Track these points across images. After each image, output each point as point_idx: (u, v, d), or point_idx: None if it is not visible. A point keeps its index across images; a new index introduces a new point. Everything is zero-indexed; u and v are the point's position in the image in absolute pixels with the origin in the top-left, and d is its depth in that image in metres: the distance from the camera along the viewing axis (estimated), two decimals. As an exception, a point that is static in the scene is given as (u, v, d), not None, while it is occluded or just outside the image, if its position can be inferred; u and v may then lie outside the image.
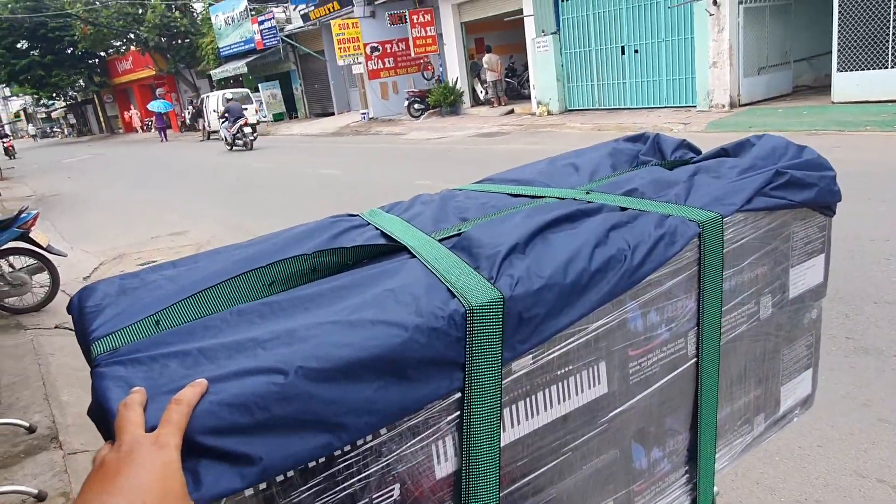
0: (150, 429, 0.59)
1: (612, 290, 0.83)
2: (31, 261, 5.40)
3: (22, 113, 57.27)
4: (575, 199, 1.06)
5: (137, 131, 35.50)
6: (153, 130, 27.12)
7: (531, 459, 0.83)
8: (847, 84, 10.14)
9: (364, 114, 20.39)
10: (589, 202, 1.02)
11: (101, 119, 42.66)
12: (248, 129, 17.73)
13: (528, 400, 0.80)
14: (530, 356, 0.79)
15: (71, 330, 4.87)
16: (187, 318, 0.78)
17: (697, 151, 1.30)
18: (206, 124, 24.33)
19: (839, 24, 9.95)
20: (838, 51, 10.08)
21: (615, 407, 0.90)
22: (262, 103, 26.16)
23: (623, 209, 0.98)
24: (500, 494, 0.79)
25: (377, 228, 1.03)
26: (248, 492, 0.63)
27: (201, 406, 0.60)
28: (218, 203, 9.98)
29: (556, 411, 0.83)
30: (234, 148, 18.20)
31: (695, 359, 0.97)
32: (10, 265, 5.38)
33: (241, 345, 0.69)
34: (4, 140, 24.61)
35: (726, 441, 1.07)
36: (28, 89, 38.79)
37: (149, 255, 7.09)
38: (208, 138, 24.38)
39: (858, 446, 2.48)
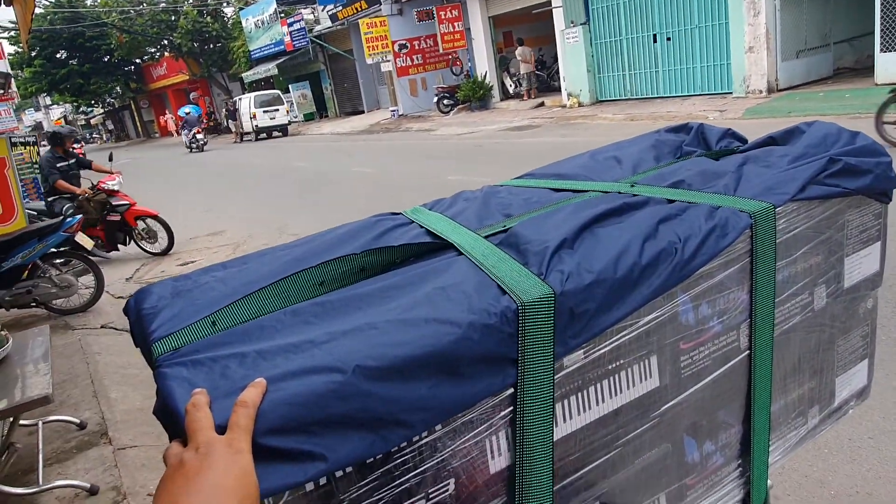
0: (217, 428, 0.61)
1: (662, 284, 0.82)
2: (77, 263, 5.58)
3: (63, 121, 59.03)
4: (620, 193, 1.05)
5: (173, 135, 36.26)
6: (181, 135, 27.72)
7: (584, 454, 0.83)
8: (891, 65, 9.79)
9: (394, 111, 20.47)
10: (635, 195, 1.01)
11: (138, 124, 43.72)
12: (199, 136, 22.28)
13: (580, 394, 0.80)
14: (582, 351, 0.79)
15: (117, 330, 5.03)
16: (242, 319, 0.80)
17: (744, 140, 1.27)
18: (240, 126, 24.75)
19: (882, 3, 9.60)
20: (881, 31, 9.74)
21: (667, 401, 0.89)
22: (293, 104, 26.46)
23: (670, 202, 0.97)
24: (554, 489, 0.79)
25: (421, 226, 1.03)
26: (309, 486, 0.65)
27: (263, 405, 0.62)
28: (253, 202, 10.14)
29: (607, 406, 0.83)
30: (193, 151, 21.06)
31: (748, 351, 0.96)
32: (57, 268, 5.56)
33: (297, 345, 0.70)
34: (75, 147, 25.41)
35: (780, 434, 1.05)
36: (68, 97, 40.00)
37: (188, 256, 7.26)
38: (241, 140, 24.81)
39: (912, 439, 2.41)
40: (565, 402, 0.79)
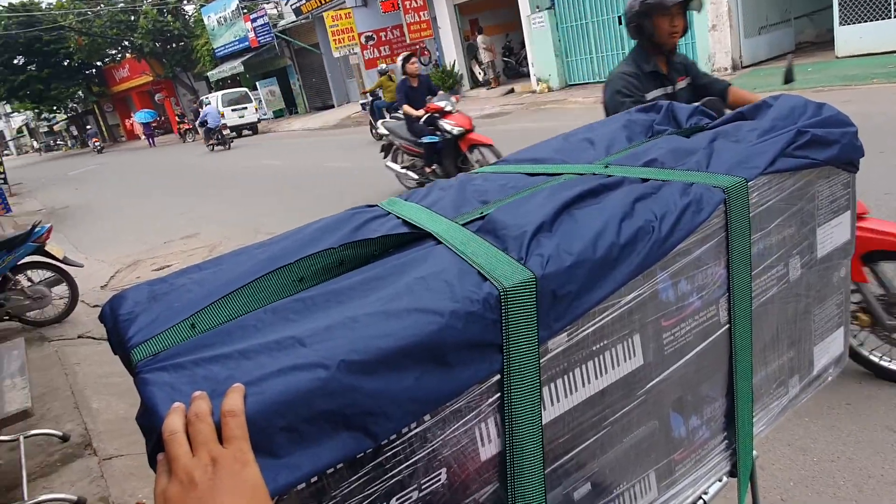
0: None
1: (642, 263, 0.83)
2: (49, 273, 5.46)
3: (25, 128, 57.55)
4: (594, 174, 1.05)
5: (140, 138, 35.65)
6: (142, 138, 27.93)
7: (572, 436, 0.83)
8: (850, 37, 9.97)
9: (364, 104, 20.31)
10: (609, 176, 1.01)
11: (103, 128, 42.77)
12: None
13: (566, 377, 0.81)
14: (565, 334, 0.79)
15: (95, 339, 4.94)
16: (222, 320, 0.79)
17: (713, 117, 1.28)
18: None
19: (839, -23, 9.77)
20: (839, 4, 9.90)
21: (651, 378, 0.90)
22: (261, 101, 26.11)
23: (644, 180, 0.98)
24: (545, 472, 0.79)
25: (398, 217, 1.03)
26: (300, 486, 0.64)
27: (249, 407, 0.61)
28: (226, 205, 10.01)
29: (594, 386, 0.84)
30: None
31: (727, 325, 0.97)
32: (29, 279, 5.44)
33: (279, 343, 0.69)
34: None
35: (763, 404, 1.07)
36: (28, 104, 38.96)
37: (164, 260, 7.15)
38: (214, 149, 24.37)
39: (888, 402, 2.47)
40: (552, 385, 0.80)
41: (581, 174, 1.07)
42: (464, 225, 0.93)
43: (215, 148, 19.99)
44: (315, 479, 0.65)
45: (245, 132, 23.56)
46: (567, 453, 0.83)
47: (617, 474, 0.90)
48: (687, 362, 0.94)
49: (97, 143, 31.37)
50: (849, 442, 2.32)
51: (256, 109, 24.03)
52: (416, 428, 0.70)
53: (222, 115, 22.73)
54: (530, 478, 0.77)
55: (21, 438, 3.11)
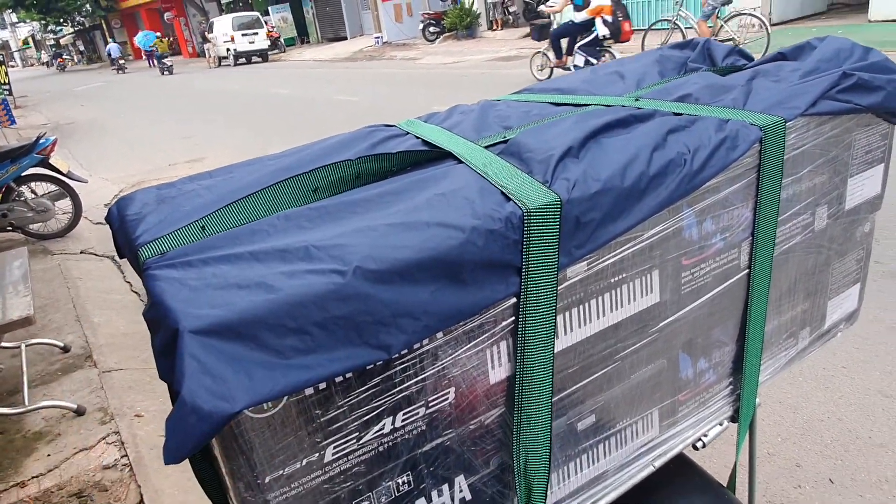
0: (212, 326, 0.57)
1: (670, 196, 0.80)
2: (53, 187, 5.43)
3: (31, 40, 56.29)
4: (623, 107, 1.01)
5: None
6: (150, 63, 26.84)
7: (582, 367, 0.82)
8: (885, 1, 9.60)
9: (377, 38, 19.80)
10: (639, 108, 0.97)
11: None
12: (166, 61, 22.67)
13: (581, 307, 0.79)
14: (585, 263, 0.77)
15: (97, 255, 4.96)
16: (233, 224, 0.77)
17: (750, 58, 1.22)
18: (216, 50, 23.81)
19: (882, -65, 9.33)
20: (879, -36, 9.51)
21: (666, 317, 0.88)
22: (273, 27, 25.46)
23: (677, 115, 0.93)
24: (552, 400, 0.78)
25: (417, 137, 0.99)
26: (308, 391, 0.63)
27: (262, 305, 0.59)
28: (233, 129, 9.88)
29: (608, 319, 0.82)
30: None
31: (747, 270, 0.95)
32: (33, 191, 5.41)
33: (293, 248, 0.67)
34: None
35: (771, 353, 1.06)
36: (35, 15, 37.99)
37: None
38: (219, 65, 23.90)
39: (884, 368, 2.48)
40: (566, 314, 0.78)
41: (609, 106, 1.03)
42: (486, 147, 0.89)
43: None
44: (323, 386, 0.64)
45: (255, 59, 23.07)
46: (575, 384, 0.82)
47: (621, 409, 0.90)
48: (702, 304, 0.92)
49: (121, 62, 28.22)
50: (840, 403, 2.35)
51: (268, 35, 23.40)
52: (428, 344, 0.69)
53: (232, 40, 22.23)
54: (538, 405, 0.77)
55: (23, 346, 3.15)
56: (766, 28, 8.35)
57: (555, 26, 9.25)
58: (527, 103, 1.15)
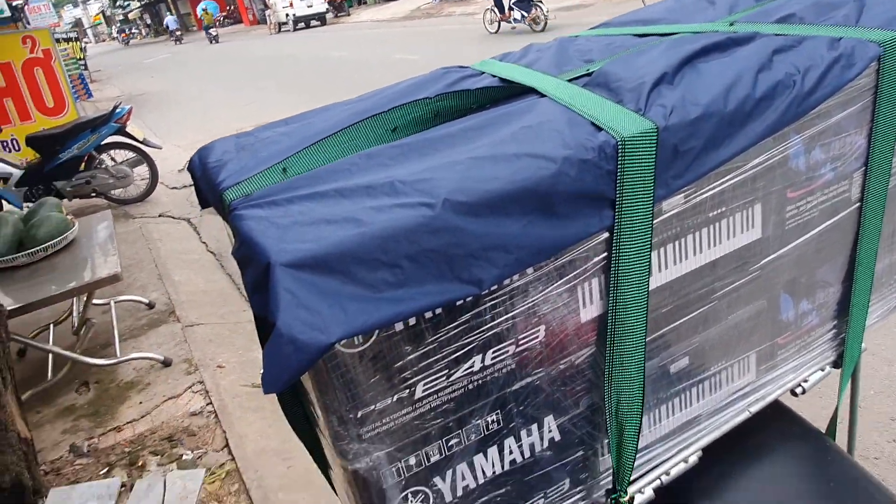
0: (302, 260, 0.56)
1: (778, 121, 0.73)
2: (131, 154, 5.66)
3: (101, 16, 58.35)
4: (718, 32, 0.93)
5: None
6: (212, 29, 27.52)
7: (676, 306, 0.78)
8: None
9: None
10: (736, 32, 0.90)
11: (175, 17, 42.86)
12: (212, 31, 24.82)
13: (677, 242, 0.74)
14: (682, 195, 0.72)
15: (174, 218, 5.16)
16: (314, 166, 0.76)
17: (857, -26, 1.11)
18: (276, 16, 24.03)
19: None
20: None
21: (768, 254, 0.83)
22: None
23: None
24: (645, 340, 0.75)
25: (494, 76, 0.95)
26: (398, 327, 0.62)
27: (353, 239, 0.58)
28: (294, 95, 10.00)
29: (705, 256, 0.77)
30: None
31: (858, 203, 0.87)
32: (113, 159, 5.66)
33: (378, 184, 0.65)
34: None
35: (881, 295, 0.99)
36: (104, -10, 39.26)
37: (236, 147, 7.28)
38: (279, 31, 24.14)
39: None
40: (661, 249, 0.74)
41: (702, 32, 0.95)
42: (569, 81, 0.85)
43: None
44: (413, 321, 0.62)
45: (313, 23, 23.15)
46: (669, 324, 0.79)
47: (717, 352, 0.85)
48: (808, 240, 0.85)
49: (178, 34, 32.35)
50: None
51: (326, -1, 23.44)
52: (518, 280, 0.66)
53: (291, 5, 22.37)
54: (631, 345, 0.73)
55: (112, 303, 3.33)
56: None
57: None
58: (607, 37, 1.09)
